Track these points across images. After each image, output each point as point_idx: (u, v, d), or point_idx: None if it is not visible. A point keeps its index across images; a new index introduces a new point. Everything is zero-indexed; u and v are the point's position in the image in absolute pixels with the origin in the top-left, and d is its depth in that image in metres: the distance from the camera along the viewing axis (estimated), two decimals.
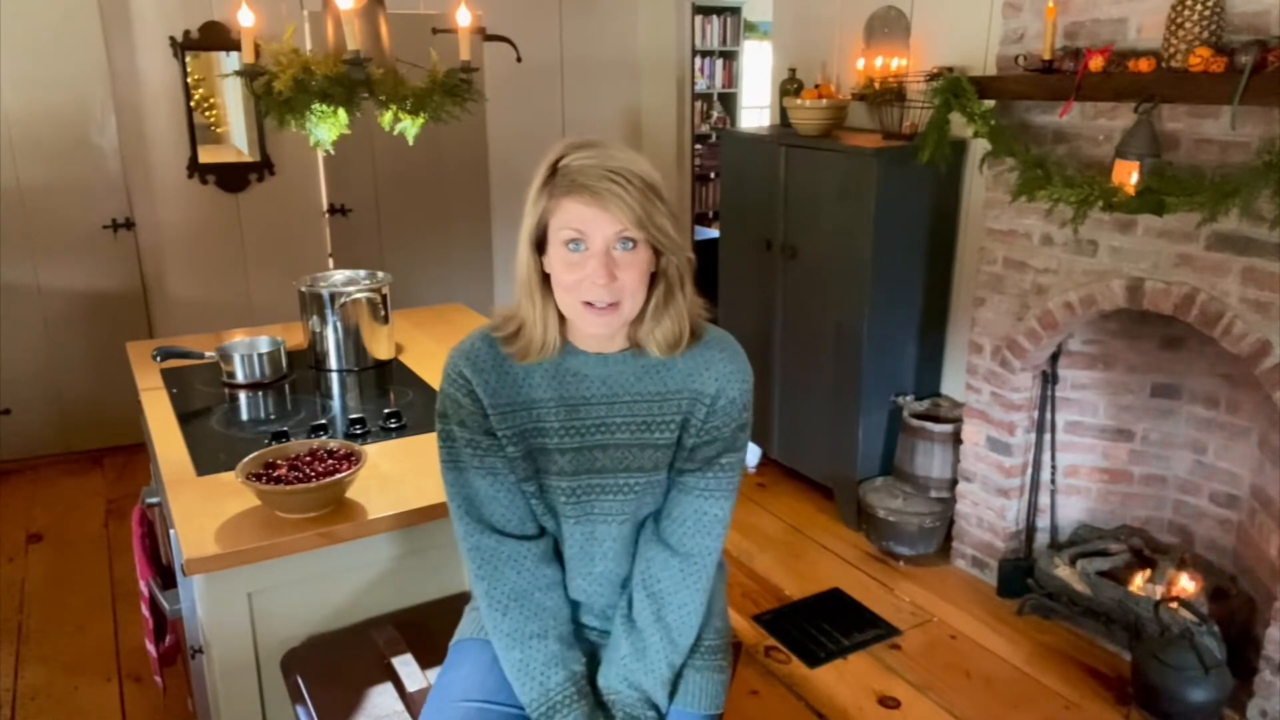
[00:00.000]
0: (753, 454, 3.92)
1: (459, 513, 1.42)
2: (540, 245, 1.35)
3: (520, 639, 1.40)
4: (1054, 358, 2.94)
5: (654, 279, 1.36)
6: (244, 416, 2.20)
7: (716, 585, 1.53)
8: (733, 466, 1.43)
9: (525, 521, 1.44)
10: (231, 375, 2.35)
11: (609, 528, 1.42)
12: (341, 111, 2.22)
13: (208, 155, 4.13)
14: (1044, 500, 3.07)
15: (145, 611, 2.04)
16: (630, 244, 1.30)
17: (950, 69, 3.09)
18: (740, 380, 1.42)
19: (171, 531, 1.68)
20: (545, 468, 1.42)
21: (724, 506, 1.44)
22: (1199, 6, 2.24)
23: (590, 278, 1.29)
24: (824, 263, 3.43)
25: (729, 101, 7.13)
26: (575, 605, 1.50)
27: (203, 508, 1.68)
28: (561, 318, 1.38)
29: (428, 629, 1.69)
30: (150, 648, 2.06)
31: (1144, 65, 2.35)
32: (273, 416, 2.20)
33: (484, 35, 3.22)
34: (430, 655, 1.60)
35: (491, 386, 1.40)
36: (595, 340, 1.39)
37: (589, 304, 1.31)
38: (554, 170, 1.31)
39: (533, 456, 1.42)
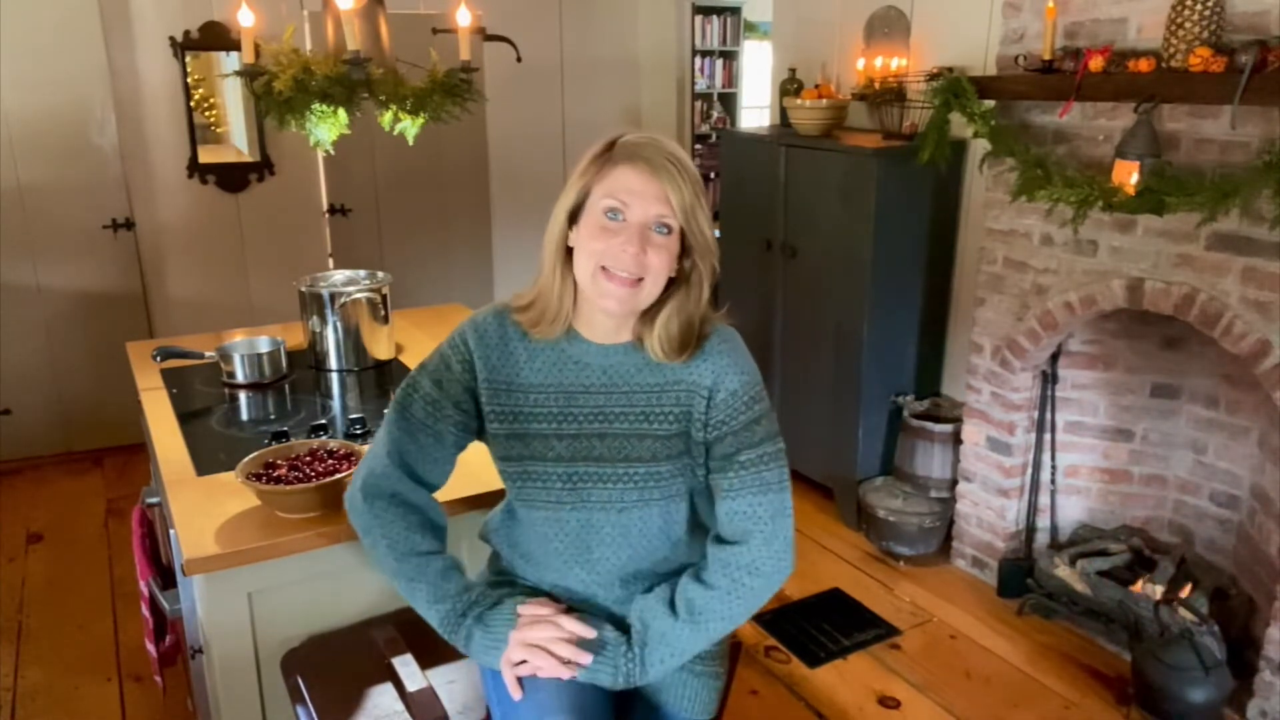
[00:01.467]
0: None
1: (383, 450, 1.45)
2: (574, 218, 1.36)
3: (407, 553, 1.42)
4: (1054, 358, 2.94)
5: (674, 283, 1.37)
6: (244, 416, 2.20)
7: None
8: (754, 464, 1.39)
9: (438, 481, 1.49)
10: (231, 375, 2.35)
11: (607, 515, 1.43)
12: (341, 111, 2.21)
13: (208, 155, 4.13)
14: (1044, 500, 3.07)
15: (145, 611, 2.04)
16: (666, 230, 1.33)
17: (950, 69, 3.09)
18: (738, 372, 1.40)
19: (171, 531, 1.68)
20: (539, 453, 1.42)
21: (754, 503, 1.39)
22: (1199, 6, 2.24)
23: (621, 245, 1.30)
24: (824, 263, 3.43)
25: (729, 101, 7.13)
26: (581, 598, 1.50)
27: (203, 508, 1.68)
28: (575, 301, 1.39)
29: (428, 629, 1.68)
30: (150, 648, 2.06)
31: (1144, 65, 2.35)
32: (273, 416, 2.20)
33: (484, 35, 3.22)
34: (430, 655, 1.59)
35: (491, 363, 1.43)
36: (602, 331, 1.41)
37: (605, 271, 1.32)
38: (612, 145, 1.34)
39: (523, 440, 1.43)
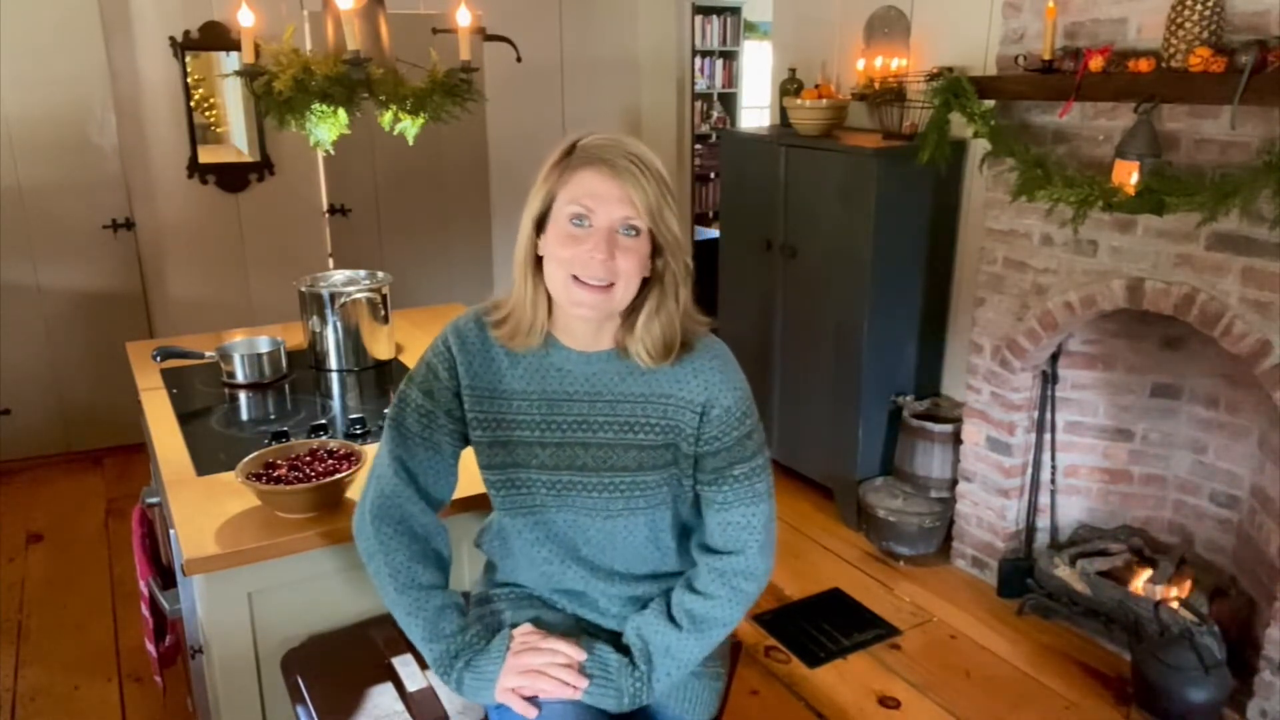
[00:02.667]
0: None
1: (388, 468, 1.44)
2: (541, 225, 1.35)
3: (410, 586, 1.41)
4: (1054, 358, 2.94)
5: (648, 283, 1.35)
6: (244, 416, 2.20)
7: None
8: (746, 476, 1.41)
9: (445, 495, 1.49)
10: (231, 375, 2.35)
11: (593, 520, 1.42)
12: (341, 111, 2.21)
13: (208, 155, 4.13)
14: (1044, 500, 3.07)
15: (145, 611, 2.04)
16: (634, 232, 1.31)
17: (950, 69, 3.09)
18: (731, 389, 1.39)
19: (171, 531, 1.68)
20: (524, 461, 1.42)
21: (747, 513, 1.41)
22: (1199, 6, 2.24)
23: (589, 251, 1.28)
24: (824, 263, 3.43)
25: (729, 101, 7.13)
26: (577, 599, 1.50)
27: (203, 508, 1.68)
28: (550, 310, 1.38)
29: None
30: (150, 648, 2.06)
31: (1144, 65, 2.35)
32: (273, 416, 2.20)
33: (484, 35, 3.22)
34: None
35: (474, 369, 1.42)
36: (581, 338, 1.39)
37: (577, 279, 1.30)
38: (572, 148, 1.33)
39: (507, 448, 1.42)
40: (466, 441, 1.47)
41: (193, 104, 4.03)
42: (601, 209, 1.29)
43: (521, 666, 1.35)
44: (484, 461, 1.45)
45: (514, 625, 1.44)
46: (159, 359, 2.41)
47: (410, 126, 2.32)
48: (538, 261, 1.36)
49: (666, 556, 1.48)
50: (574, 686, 1.35)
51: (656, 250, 1.34)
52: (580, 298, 1.31)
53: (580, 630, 1.48)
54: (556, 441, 1.41)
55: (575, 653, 1.37)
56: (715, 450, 1.40)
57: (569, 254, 1.30)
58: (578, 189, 1.30)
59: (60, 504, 3.70)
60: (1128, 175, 2.35)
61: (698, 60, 6.54)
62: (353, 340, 2.47)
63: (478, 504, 1.70)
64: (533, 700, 1.35)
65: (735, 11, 6.87)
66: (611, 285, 1.31)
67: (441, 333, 1.46)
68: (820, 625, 2.91)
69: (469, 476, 1.52)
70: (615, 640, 1.45)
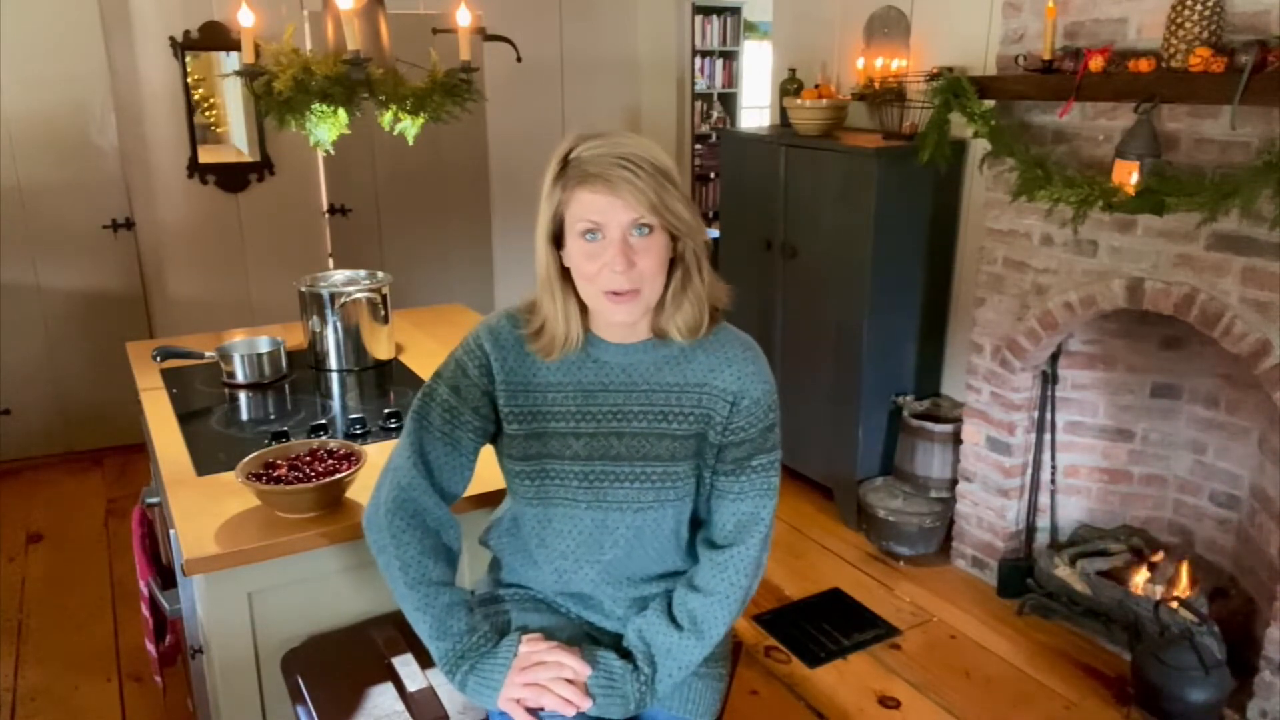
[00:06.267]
0: None
1: (407, 460, 1.44)
2: (558, 240, 1.36)
3: (421, 581, 1.41)
4: (1054, 358, 2.94)
5: (672, 264, 1.38)
6: (244, 416, 2.20)
7: None
8: (764, 468, 1.44)
9: (459, 490, 1.49)
10: (231, 375, 2.35)
11: (623, 515, 1.42)
12: (341, 111, 2.21)
13: (208, 155, 4.13)
14: (1044, 500, 3.07)
15: (145, 611, 2.05)
16: (646, 230, 1.32)
17: (950, 69, 3.09)
18: (762, 381, 1.43)
19: (171, 531, 1.68)
20: (557, 452, 1.43)
21: (759, 505, 1.44)
22: (1199, 6, 2.24)
23: (609, 265, 1.30)
24: (824, 263, 3.43)
25: (729, 101, 7.13)
26: (582, 601, 1.50)
27: (203, 508, 1.68)
28: (583, 309, 1.40)
29: None
30: (150, 648, 2.06)
31: (1144, 65, 2.35)
32: (273, 416, 2.20)
33: (484, 35, 3.21)
34: (430, 655, 1.59)
35: (509, 365, 1.43)
36: (618, 330, 1.41)
37: (611, 292, 1.32)
38: (565, 163, 1.33)
39: (541, 439, 1.43)
40: (485, 441, 1.48)
41: (193, 104, 4.03)
42: (608, 220, 1.30)
43: (526, 680, 1.36)
44: (516, 453, 1.45)
45: (520, 628, 1.44)
46: (159, 359, 2.41)
47: (410, 126, 2.32)
48: (563, 273, 1.37)
49: (682, 551, 1.49)
50: (576, 705, 1.35)
51: (673, 236, 1.36)
52: (613, 309, 1.34)
53: (585, 636, 1.48)
54: (591, 432, 1.42)
55: (580, 667, 1.37)
56: (740, 440, 1.42)
57: (593, 269, 1.32)
58: (580, 209, 1.31)
59: (60, 504, 3.70)
60: (1128, 175, 2.35)
61: (698, 60, 6.54)
62: (353, 340, 2.47)
63: (484, 501, 1.70)
64: (534, 712, 1.35)
65: (735, 11, 6.87)
66: (639, 290, 1.33)
67: (474, 331, 1.47)
68: (820, 625, 2.91)
69: (475, 473, 1.52)
70: (618, 642, 1.45)
